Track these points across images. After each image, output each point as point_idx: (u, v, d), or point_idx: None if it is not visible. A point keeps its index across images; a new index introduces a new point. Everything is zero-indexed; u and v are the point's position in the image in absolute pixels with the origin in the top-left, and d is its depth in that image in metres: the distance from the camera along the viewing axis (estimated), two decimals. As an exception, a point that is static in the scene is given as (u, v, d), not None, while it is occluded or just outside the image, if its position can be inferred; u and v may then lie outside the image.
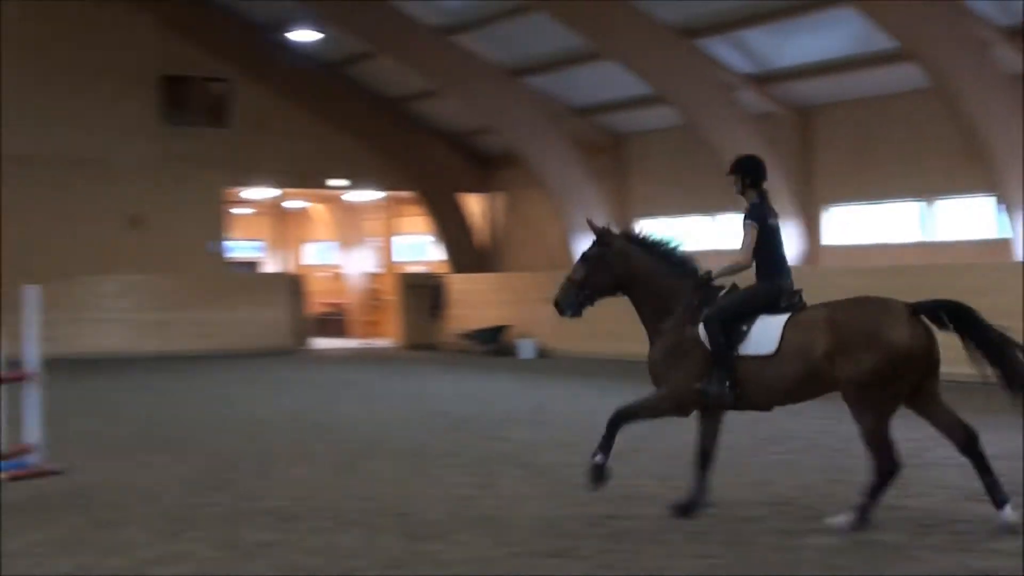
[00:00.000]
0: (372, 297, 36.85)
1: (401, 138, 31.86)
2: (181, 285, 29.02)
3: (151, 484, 10.12)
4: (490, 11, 25.58)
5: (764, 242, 8.84)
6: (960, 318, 8.31)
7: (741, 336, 8.57)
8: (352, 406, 16.62)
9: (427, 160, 32.23)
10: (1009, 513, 8.01)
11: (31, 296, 10.78)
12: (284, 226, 40.46)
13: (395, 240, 37.47)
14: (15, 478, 10.19)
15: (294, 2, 26.84)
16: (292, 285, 31.41)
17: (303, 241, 40.65)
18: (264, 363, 25.35)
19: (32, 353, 10.80)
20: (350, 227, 38.03)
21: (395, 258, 37.17)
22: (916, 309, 8.31)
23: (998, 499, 8.08)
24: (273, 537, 8.06)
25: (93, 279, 28.24)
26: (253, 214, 38.37)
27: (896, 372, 8.14)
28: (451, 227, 32.83)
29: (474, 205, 33.18)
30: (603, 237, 9.10)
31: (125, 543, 7.94)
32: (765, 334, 8.52)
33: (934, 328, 8.27)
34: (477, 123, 30.33)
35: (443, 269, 32.77)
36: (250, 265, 38.21)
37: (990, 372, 8.17)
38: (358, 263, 37.83)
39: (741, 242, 8.85)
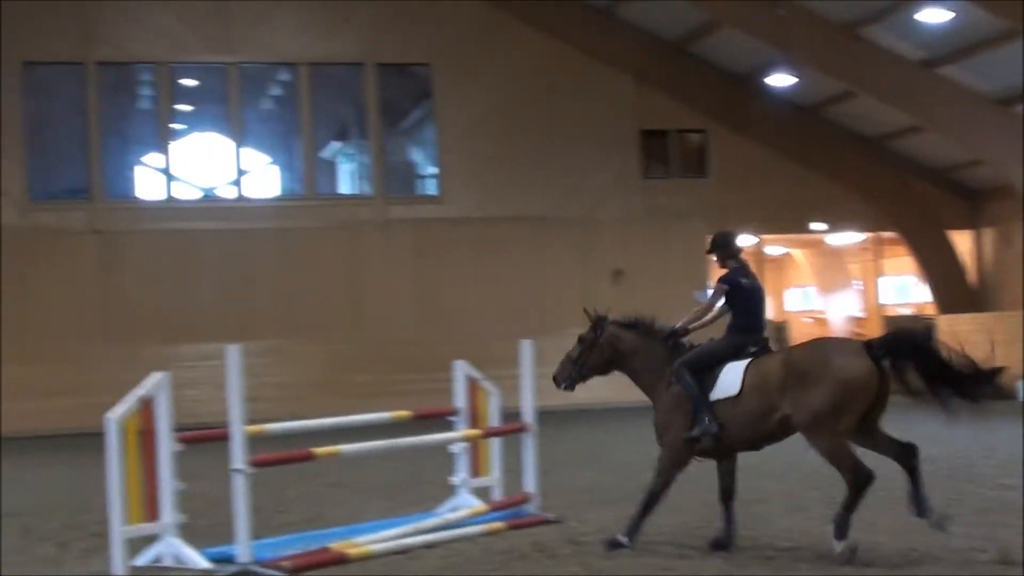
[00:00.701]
0: (856, 341, 35.83)
1: (882, 177, 31.01)
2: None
3: (643, 533, 10.11)
4: (974, 40, 24.50)
5: (738, 301, 10.02)
6: (912, 347, 9.11)
7: (712, 382, 9.60)
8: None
9: (910, 198, 31.17)
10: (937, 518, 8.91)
11: (526, 350, 11.21)
12: (764, 272, 40.21)
13: (879, 282, 36.42)
14: (514, 527, 10.52)
15: (769, 48, 26.75)
16: (775, 332, 31.12)
17: (785, 287, 40.27)
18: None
19: (528, 405, 11.22)
20: (832, 271, 37.31)
21: (880, 300, 36.11)
22: (870, 345, 9.15)
23: (922, 509, 8.96)
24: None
25: (578, 332, 29.11)
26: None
27: (845, 403, 8.90)
28: (938, 266, 31.52)
29: (961, 242, 31.73)
30: (596, 324, 10.61)
31: None
32: (730, 378, 9.52)
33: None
34: (963, 156, 29.05)
35: (931, 310, 31.47)
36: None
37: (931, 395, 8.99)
38: (841, 307, 37.02)
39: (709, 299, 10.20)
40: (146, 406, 9.23)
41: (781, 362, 9.34)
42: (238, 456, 9.02)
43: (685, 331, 10.19)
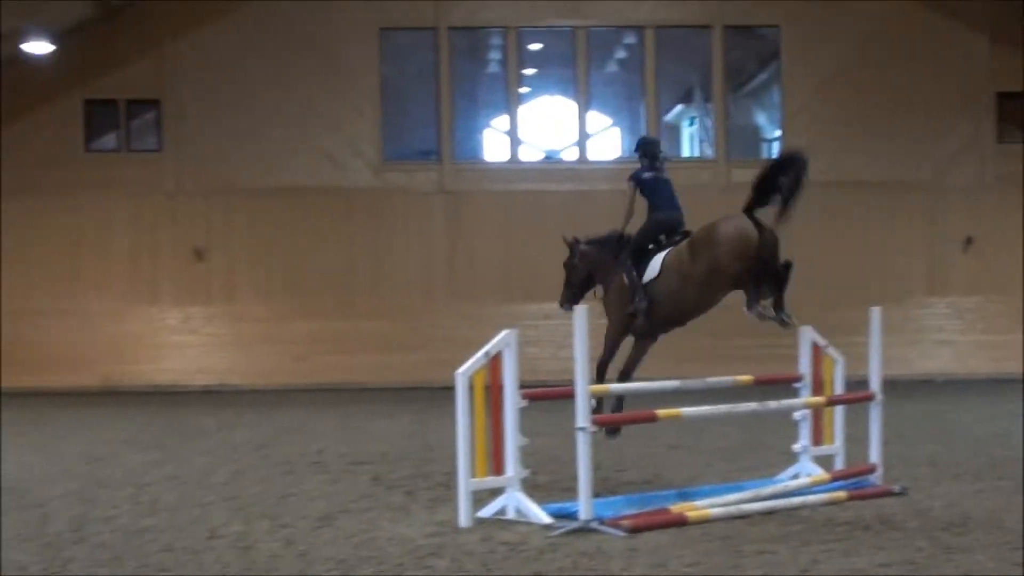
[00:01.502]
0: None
1: None
2: (1015, 306, 28.01)
3: (993, 511, 9.75)
4: None
5: (646, 192, 11.97)
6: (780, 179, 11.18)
7: (643, 270, 11.42)
8: None
9: None
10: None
11: (875, 317, 10.91)
12: None
13: None
14: (857, 497, 10.26)
15: None
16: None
17: None
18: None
19: (875, 373, 10.94)
20: None
21: None
22: (749, 207, 10.95)
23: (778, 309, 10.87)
24: None
25: (927, 301, 28.19)
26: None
27: (727, 258, 10.71)
28: None
29: None
30: (572, 248, 12.53)
31: (971, 569, 7.71)
32: (655, 263, 11.36)
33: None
34: None
35: None
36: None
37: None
38: None
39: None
40: (493, 362, 9.40)
41: (688, 241, 11.16)
42: (582, 414, 9.07)
43: (620, 233, 12.09)
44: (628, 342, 11.85)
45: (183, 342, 27.18)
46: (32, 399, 23.94)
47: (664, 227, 11.73)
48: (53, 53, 24.47)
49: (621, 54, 29.45)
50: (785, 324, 10.87)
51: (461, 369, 9.32)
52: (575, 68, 28.28)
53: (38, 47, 23.75)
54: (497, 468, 9.47)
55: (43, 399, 24.07)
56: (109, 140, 27.90)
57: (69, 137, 27.32)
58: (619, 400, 11.40)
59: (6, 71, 26.37)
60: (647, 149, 12.38)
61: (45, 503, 10.67)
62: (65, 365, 26.58)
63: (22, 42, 23.85)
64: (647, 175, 12.08)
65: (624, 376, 11.70)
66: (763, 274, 10.84)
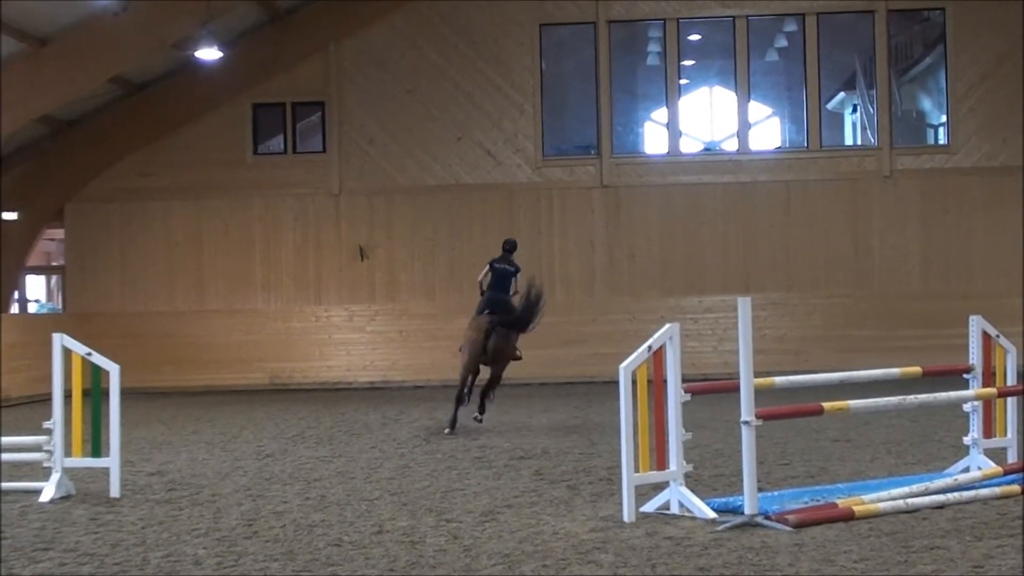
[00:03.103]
0: None
1: None
2: None
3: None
4: None
5: (492, 274, 17.29)
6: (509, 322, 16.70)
7: None
8: None
9: None
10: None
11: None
12: None
13: None
14: (1030, 491, 10.01)
15: None
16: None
17: None
18: None
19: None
20: None
21: None
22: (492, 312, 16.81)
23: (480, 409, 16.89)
24: None
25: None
26: None
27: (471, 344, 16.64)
28: None
29: None
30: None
31: None
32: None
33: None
34: None
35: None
36: None
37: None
38: None
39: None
40: (655, 356, 9.39)
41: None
42: (747, 408, 9.01)
43: (481, 290, 17.52)
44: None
45: (348, 340, 27.58)
46: (204, 397, 24.59)
47: (490, 302, 16.94)
48: (222, 59, 25.11)
49: (782, 42, 29.02)
50: (477, 421, 16.81)
51: (624, 363, 9.31)
52: (735, 58, 27.99)
53: (208, 54, 24.39)
54: (660, 463, 9.44)
55: (214, 397, 24.69)
56: (276, 142, 28.54)
57: (238, 140, 28.02)
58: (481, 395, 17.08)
59: (179, 77, 27.21)
60: (506, 246, 17.67)
61: (218, 498, 10.96)
62: (235, 364, 27.27)
63: (193, 49, 24.54)
64: (496, 265, 17.31)
65: (485, 391, 17.21)
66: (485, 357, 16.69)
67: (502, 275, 17.20)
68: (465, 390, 16.67)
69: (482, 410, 16.85)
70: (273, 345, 27.53)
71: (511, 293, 17.10)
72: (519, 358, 17.10)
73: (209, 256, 27.90)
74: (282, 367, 27.45)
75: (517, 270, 17.41)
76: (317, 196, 27.93)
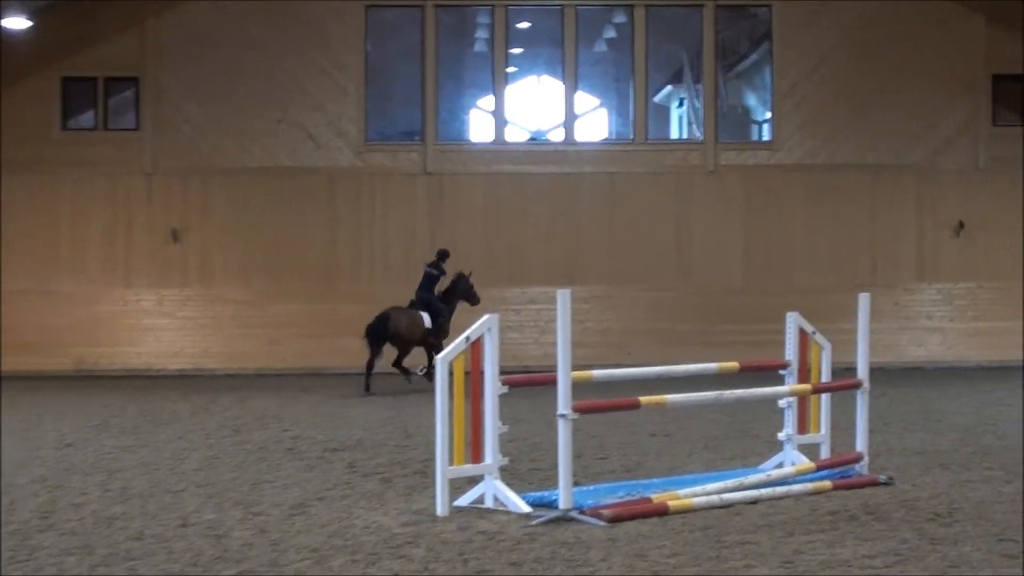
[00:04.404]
0: None
1: None
2: (1007, 294, 27.86)
3: (981, 501, 9.56)
4: None
5: (424, 278, 21.99)
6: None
7: None
8: None
9: None
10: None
11: (864, 303, 10.69)
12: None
13: None
14: (842, 487, 10.09)
15: None
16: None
17: None
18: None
19: (863, 361, 10.72)
20: None
21: None
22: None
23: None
24: None
25: (917, 287, 28.00)
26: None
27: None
28: None
29: None
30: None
31: (957, 561, 7.53)
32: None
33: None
34: None
35: None
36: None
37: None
38: None
39: None
40: (473, 347, 9.25)
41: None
42: (564, 401, 8.88)
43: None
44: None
45: (158, 325, 26.95)
46: (4, 383, 23.68)
47: (419, 302, 21.67)
48: (30, 29, 24.09)
49: (610, 33, 29.18)
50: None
51: (441, 354, 9.22)
52: (563, 47, 28.01)
53: (15, 23, 23.39)
54: (476, 456, 9.33)
55: (15, 383, 23.81)
56: (86, 118, 27.59)
57: (45, 115, 27.00)
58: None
59: (-18, 47, 26.08)
60: (439, 254, 22.28)
61: (12, 489, 10.46)
62: (38, 348, 26.34)
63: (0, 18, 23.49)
64: (429, 269, 21.97)
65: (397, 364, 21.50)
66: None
67: (427, 277, 21.88)
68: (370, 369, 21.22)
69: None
70: (79, 329, 26.67)
71: (436, 294, 21.84)
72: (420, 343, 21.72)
73: (12, 235, 26.85)
74: (88, 352, 26.62)
75: (441, 273, 21.88)
76: (129, 175, 27.10)
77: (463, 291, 22.21)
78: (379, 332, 21.04)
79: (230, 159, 27.12)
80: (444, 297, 22.07)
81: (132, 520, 9.02)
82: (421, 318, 21.40)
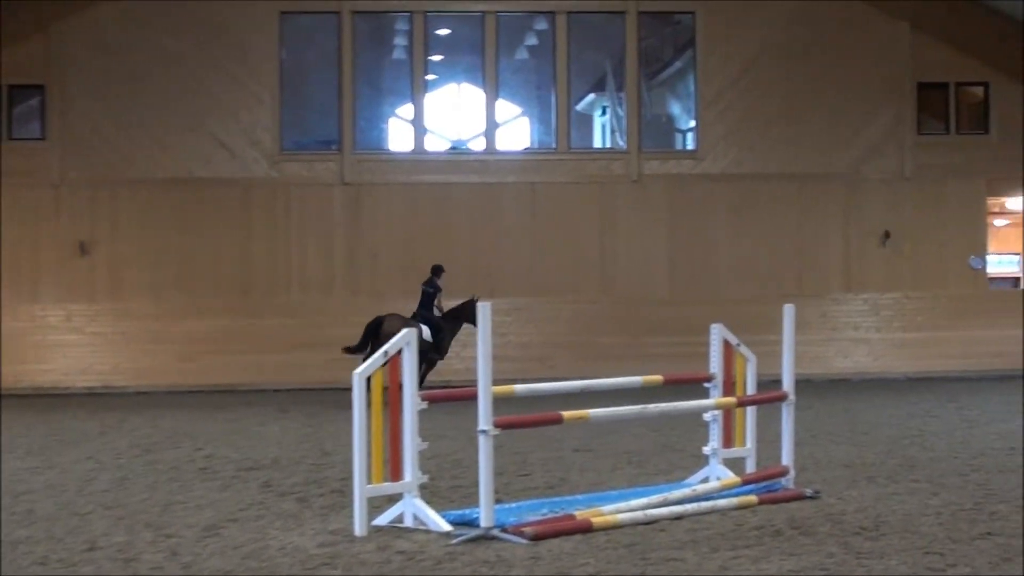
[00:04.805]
0: None
1: None
2: (933, 303, 28.02)
3: (907, 514, 9.55)
4: None
5: (423, 296, 22.04)
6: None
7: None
8: None
9: None
10: None
11: (789, 315, 10.59)
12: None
13: None
14: (768, 501, 10.03)
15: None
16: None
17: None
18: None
19: (788, 373, 10.66)
20: None
21: None
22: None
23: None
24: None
25: (843, 297, 28.06)
26: (1008, 225, 36.20)
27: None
28: None
29: None
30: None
31: (883, 575, 7.52)
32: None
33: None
34: None
35: None
36: (1012, 281, 36.08)
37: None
38: None
39: None
40: (392, 362, 9.10)
41: None
42: (485, 416, 8.74)
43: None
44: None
45: (66, 341, 26.41)
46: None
47: (420, 320, 21.24)
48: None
49: (532, 40, 29.04)
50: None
51: (359, 369, 9.06)
52: (484, 55, 27.82)
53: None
54: (395, 473, 9.19)
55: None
56: (-11, 128, 26.98)
57: (-54, 124, 26.41)
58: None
59: None
60: (433, 270, 22.37)
61: (-92, 514, 10.18)
62: (-62, 365, 25.71)
63: None
64: (425, 287, 22.13)
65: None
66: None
67: (423, 295, 22.06)
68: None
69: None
70: (-18, 346, 25.98)
71: (433, 311, 22.03)
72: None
73: (-90, 247, 26.12)
74: (-9, 370, 25.96)
75: (436, 290, 22.00)
76: (35, 186, 26.53)
77: (469, 315, 21.46)
78: (372, 332, 21.02)
79: (140, 170, 26.64)
80: (447, 316, 22.21)
81: (37, 544, 8.84)
82: (420, 329, 20.90)
